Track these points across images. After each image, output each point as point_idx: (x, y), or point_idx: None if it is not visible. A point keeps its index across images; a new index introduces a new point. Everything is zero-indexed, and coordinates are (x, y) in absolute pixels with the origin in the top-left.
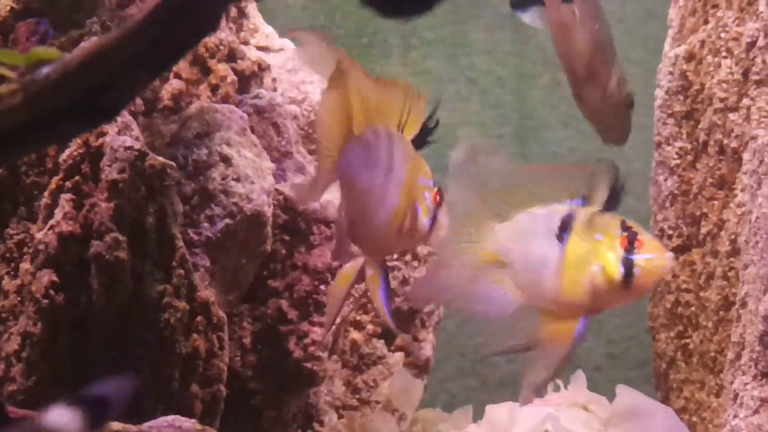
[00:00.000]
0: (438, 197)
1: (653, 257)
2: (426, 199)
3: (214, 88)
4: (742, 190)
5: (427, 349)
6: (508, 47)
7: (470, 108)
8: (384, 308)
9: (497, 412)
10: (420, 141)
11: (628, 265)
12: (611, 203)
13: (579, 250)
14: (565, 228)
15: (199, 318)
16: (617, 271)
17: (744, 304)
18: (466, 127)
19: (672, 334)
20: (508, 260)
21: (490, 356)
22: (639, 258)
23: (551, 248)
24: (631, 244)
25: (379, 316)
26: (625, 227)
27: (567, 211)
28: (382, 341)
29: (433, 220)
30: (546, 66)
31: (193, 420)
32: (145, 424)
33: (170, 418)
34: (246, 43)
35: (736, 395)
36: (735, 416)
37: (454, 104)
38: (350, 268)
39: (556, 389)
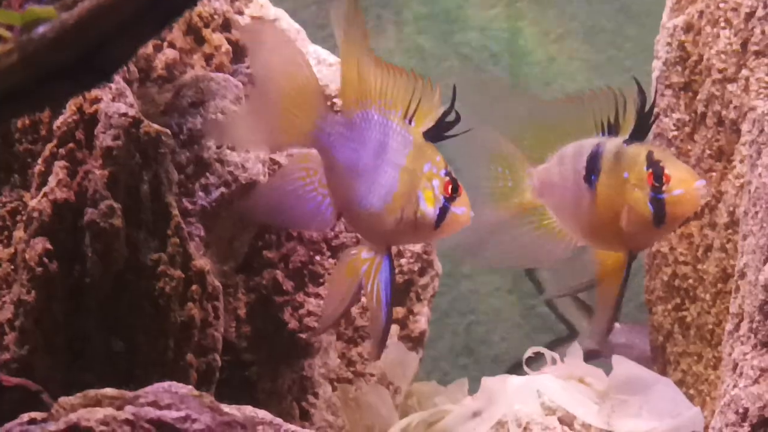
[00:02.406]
0: (450, 188)
1: (682, 193)
2: (433, 188)
3: (208, 58)
4: (741, 162)
5: (422, 322)
6: (502, 23)
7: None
8: (382, 302)
9: (493, 383)
10: (435, 133)
11: (658, 203)
12: (640, 130)
13: (608, 192)
14: (592, 169)
15: (194, 287)
16: (647, 210)
17: (743, 275)
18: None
19: (669, 306)
20: (547, 204)
21: (555, 297)
22: (667, 196)
23: (582, 192)
24: (658, 180)
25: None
26: (651, 162)
27: (593, 148)
28: None
29: (443, 211)
30: (540, 43)
31: (190, 386)
32: (141, 390)
33: (166, 384)
34: (240, 12)
35: (736, 365)
36: (734, 386)
37: (447, 80)
38: (356, 257)
39: (553, 362)
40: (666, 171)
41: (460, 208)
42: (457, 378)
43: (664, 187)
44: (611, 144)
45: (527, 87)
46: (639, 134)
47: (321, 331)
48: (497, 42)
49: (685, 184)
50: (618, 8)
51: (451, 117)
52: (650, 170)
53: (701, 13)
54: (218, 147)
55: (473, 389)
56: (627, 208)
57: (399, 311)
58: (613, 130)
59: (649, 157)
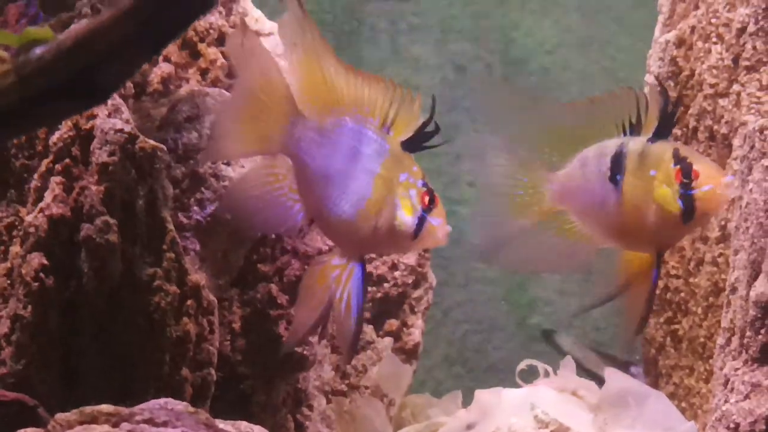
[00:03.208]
0: (426, 199)
1: (711, 188)
2: (410, 197)
3: (203, 72)
4: (733, 176)
5: (415, 335)
6: (496, 34)
7: (457, 94)
8: (352, 310)
9: (486, 396)
10: (415, 143)
11: (687, 199)
12: (663, 128)
13: (635, 191)
14: (617, 169)
15: (189, 302)
16: (677, 207)
17: (734, 290)
18: (453, 114)
19: (661, 320)
20: (568, 209)
21: (586, 310)
22: (697, 192)
23: (607, 192)
24: (687, 176)
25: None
26: (678, 158)
27: (617, 148)
28: (371, 326)
29: (421, 221)
30: (535, 53)
31: (185, 403)
32: (137, 407)
33: (162, 400)
34: (235, 27)
35: (727, 380)
36: (725, 401)
37: (441, 90)
38: (327, 264)
39: (546, 375)
40: (694, 167)
41: (437, 220)
42: (451, 387)
43: (693, 183)
44: (635, 143)
45: None
46: (663, 132)
47: (293, 341)
48: (491, 52)
49: (713, 179)
50: (612, 19)
51: (431, 127)
52: (678, 167)
53: (693, 28)
54: (213, 162)
55: (467, 398)
56: (656, 206)
57: (393, 324)
58: (634, 130)
59: (676, 153)
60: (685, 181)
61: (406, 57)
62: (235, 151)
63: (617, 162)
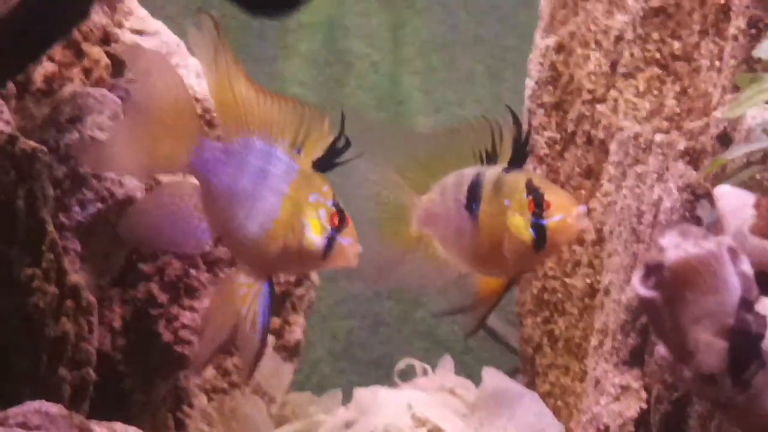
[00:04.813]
0: (336, 219)
1: (562, 218)
2: (320, 217)
3: (87, 72)
4: (608, 181)
5: (297, 333)
6: (384, 32)
7: (345, 91)
8: (257, 328)
9: (365, 395)
10: (326, 163)
11: (539, 229)
12: (517, 158)
13: (490, 220)
14: (473, 198)
15: (68, 302)
16: (529, 236)
17: (607, 293)
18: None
19: (538, 319)
20: (432, 234)
21: (439, 316)
22: (548, 221)
23: (464, 220)
24: (538, 206)
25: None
26: (531, 189)
27: (473, 177)
28: None
29: (330, 241)
30: (421, 52)
31: (60, 405)
32: (11, 410)
33: (36, 403)
34: (120, 26)
35: (598, 382)
36: (596, 403)
37: (329, 87)
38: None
39: (424, 374)
40: (546, 197)
41: (347, 239)
42: (336, 381)
43: (544, 213)
44: (491, 172)
45: (408, 95)
46: (517, 162)
47: (201, 360)
48: (379, 51)
49: (564, 210)
50: (498, 19)
51: (341, 144)
52: (530, 197)
53: (572, 34)
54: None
55: (351, 392)
56: (508, 235)
57: (275, 321)
58: (491, 159)
59: (529, 184)
60: (536, 210)
61: (294, 53)
62: (140, 168)
63: (473, 191)
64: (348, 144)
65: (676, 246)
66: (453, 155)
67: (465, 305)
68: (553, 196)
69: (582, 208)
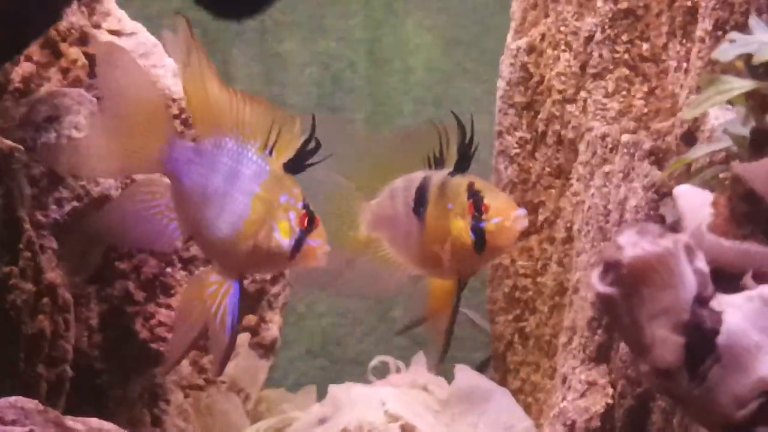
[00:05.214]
0: (306, 221)
1: (500, 221)
2: (289, 219)
3: (65, 72)
4: (578, 180)
5: (273, 330)
6: (361, 33)
7: (323, 92)
8: (227, 326)
9: (339, 392)
10: (297, 164)
11: (479, 231)
12: (462, 162)
13: (435, 223)
14: (420, 201)
15: (45, 300)
16: (469, 238)
17: (576, 290)
18: (319, 112)
19: (510, 317)
20: (382, 237)
21: (398, 334)
22: (487, 224)
23: (412, 223)
24: (478, 209)
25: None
26: (471, 192)
27: (421, 181)
28: None
29: (298, 242)
30: (399, 53)
31: (36, 401)
32: None
33: (12, 399)
34: (98, 26)
35: (565, 378)
36: (563, 399)
37: (308, 88)
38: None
39: (398, 371)
40: (485, 201)
41: (316, 241)
42: (313, 379)
43: (483, 216)
44: (437, 176)
45: (387, 96)
46: (462, 166)
47: (173, 359)
48: (356, 51)
49: (503, 213)
50: (475, 21)
51: (312, 146)
52: (471, 200)
53: (543, 35)
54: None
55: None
56: (451, 238)
57: (251, 319)
58: (439, 163)
59: (470, 187)
60: (476, 214)
61: (272, 54)
62: (111, 170)
63: (421, 194)
64: (318, 146)
65: (633, 244)
66: (406, 158)
67: (422, 317)
68: (493, 199)
69: (521, 211)
